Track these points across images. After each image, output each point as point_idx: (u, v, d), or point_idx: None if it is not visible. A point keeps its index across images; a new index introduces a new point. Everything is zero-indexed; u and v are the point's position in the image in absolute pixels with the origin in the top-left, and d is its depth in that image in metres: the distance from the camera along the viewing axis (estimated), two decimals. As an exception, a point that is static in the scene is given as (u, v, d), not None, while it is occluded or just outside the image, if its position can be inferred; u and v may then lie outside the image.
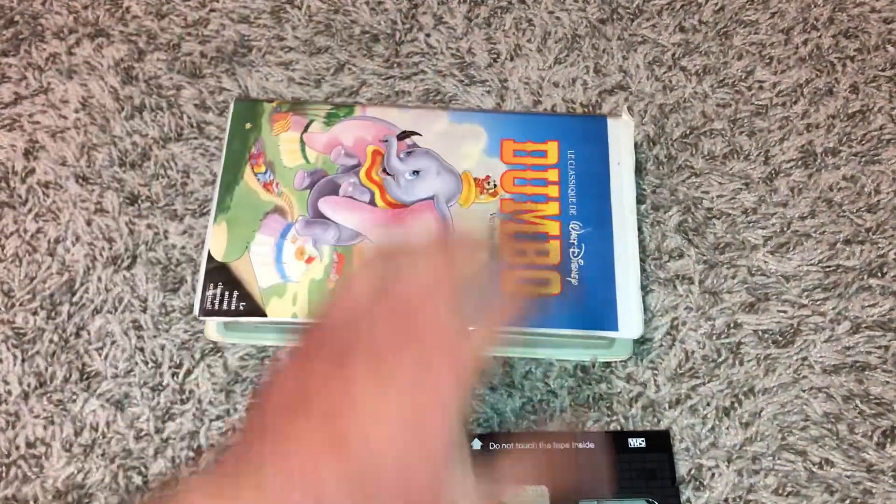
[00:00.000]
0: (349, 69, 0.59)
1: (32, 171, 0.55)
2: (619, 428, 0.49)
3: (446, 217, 0.51)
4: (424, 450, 0.28)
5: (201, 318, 0.49)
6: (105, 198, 0.54)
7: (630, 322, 0.48)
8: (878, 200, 0.55)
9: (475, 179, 0.53)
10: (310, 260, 0.50)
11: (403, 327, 0.30)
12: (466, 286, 0.32)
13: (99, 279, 0.52)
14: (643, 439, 0.47)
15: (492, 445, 0.45)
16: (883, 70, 0.60)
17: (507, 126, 0.54)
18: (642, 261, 0.53)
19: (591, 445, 0.46)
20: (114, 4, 0.61)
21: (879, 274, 0.53)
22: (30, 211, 0.54)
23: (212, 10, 0.61)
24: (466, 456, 0.31)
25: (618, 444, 0.47)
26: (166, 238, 0.53)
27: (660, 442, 0.47)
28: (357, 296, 0.32)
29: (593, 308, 0.49)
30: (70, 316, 0.51)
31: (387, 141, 0.54)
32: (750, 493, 0.47)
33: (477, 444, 0.40)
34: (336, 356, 0.29)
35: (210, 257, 0.50)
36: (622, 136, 0.54)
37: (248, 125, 0.54)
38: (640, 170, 0.56)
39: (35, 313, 0.51)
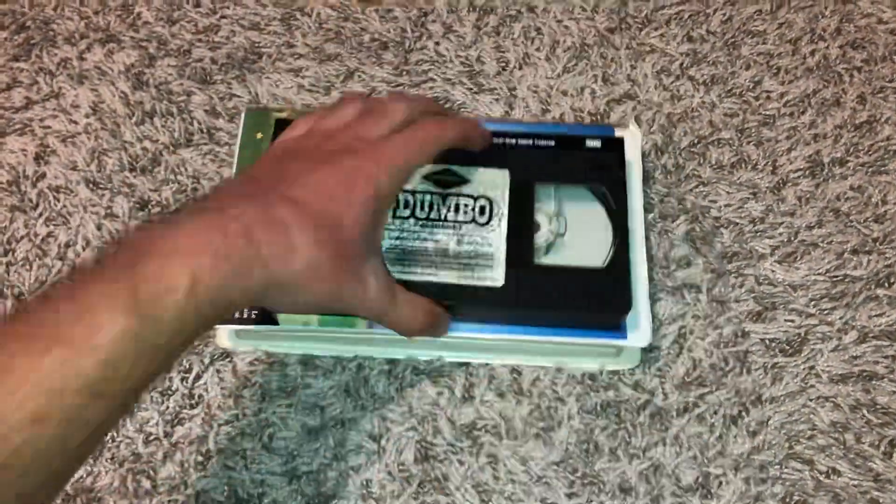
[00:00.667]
0: (359, 76, 0.60)
1: (43, 175, 0.56)
2: (627, 437, 0.49)
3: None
4: (352, 204, 0.41)
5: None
6: (115, 203, 0.55)
7: (639, 330, 0.48)
8: (886, 211, 0.56)
9: (484, 187, 0.53)
10: None
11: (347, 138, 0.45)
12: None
13: (109, 283, 0.52)
14: (599, 142, 0.52)
15: None
16: (890, 81, 0.60)
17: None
18: (650, 269, 0.53)
19: (552, 143, 0.52)
20: (125, 10, 0.61)
21: (887, 284, 0.53)
22: (40, 215, 0.54)
23: (222, 17, 0.61)
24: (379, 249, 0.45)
25: (575, 143, 0.52)
26: (176, 243, 0.53)
27: (614, 145, 0.52)
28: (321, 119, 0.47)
29: None
30: (80, 320, 0.51)
31: None
32: (757, 501, 0.47)
33: None
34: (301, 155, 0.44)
35: (220, 263, 0.50)
36: (630, 146, 0.54)
37: (259, 135, 0.54)
38: (647, 179, 0.56)
39: (45, 317, 0.51)
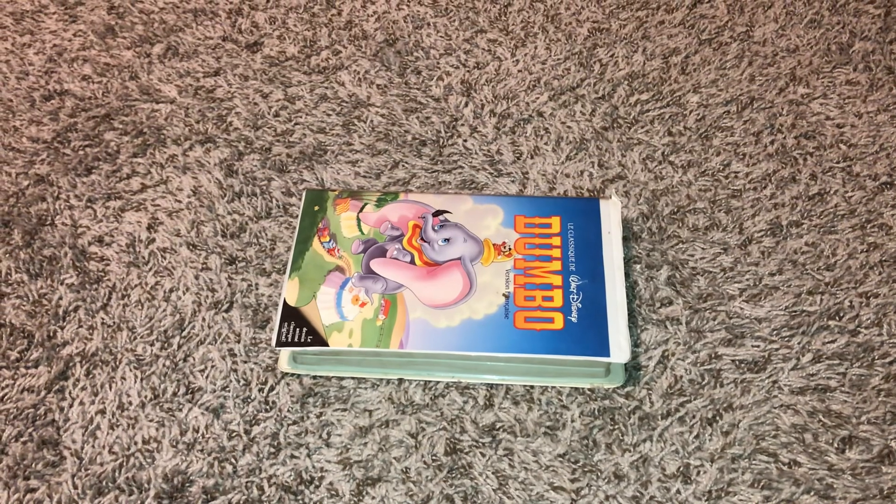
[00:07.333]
0: (403, 165, 0.75)
1: (153, 239, 0.70)
2: (620, 435, 0.59)
3: (470, 273, 0.64)
4: None
5: (277, 348, 0.62)
6: (210, 259, 0.69)
7: (619, 349, 0.59)
8: (835, 261, 0.67)
9: (494, 244, 0.66)
10: (363, 304, 0.63)
11: None
12: None
13: (203, 319, 0.65)
14: None
15: None
16: (837, 163, 0.73)
17: (519, 206, 0.68)
18: (638, 307, 0.65)
19: None
20: (220, 120, 0.78)
21: (837, 318, 0.64)
22: (150, 269, 0.68)
23: (296, 124, 0.78)
24: None
25: None
26: (257, 289, 0.67)
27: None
28: None
29: (590, 339, 0.60)
30: (180, 346, 0.64)
31: (424, 217, 0.67)
32: (730, 486, 0.57)
33: None
34: None
35: (285, 303, 0.63)
36: (612, 212, 0.67)
37: (316, 207, 0.69)
38: (636, 238, 0.69)
39: (152, 344, 0.64)
